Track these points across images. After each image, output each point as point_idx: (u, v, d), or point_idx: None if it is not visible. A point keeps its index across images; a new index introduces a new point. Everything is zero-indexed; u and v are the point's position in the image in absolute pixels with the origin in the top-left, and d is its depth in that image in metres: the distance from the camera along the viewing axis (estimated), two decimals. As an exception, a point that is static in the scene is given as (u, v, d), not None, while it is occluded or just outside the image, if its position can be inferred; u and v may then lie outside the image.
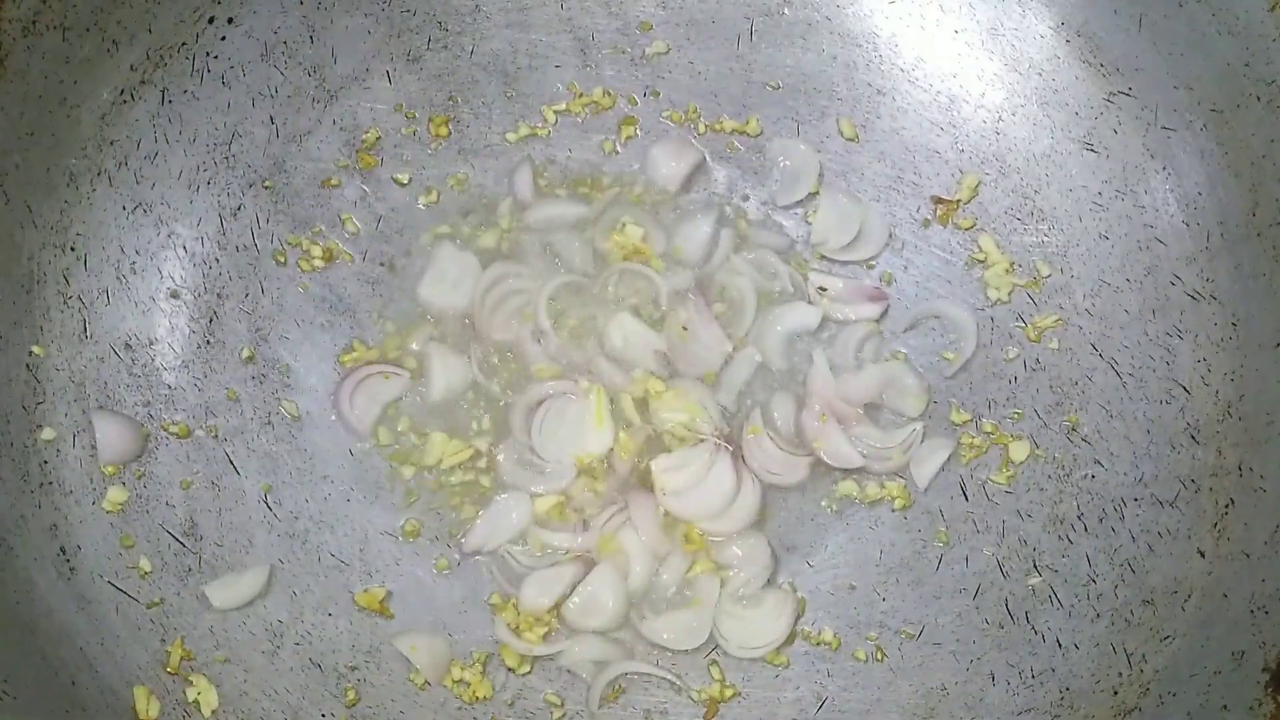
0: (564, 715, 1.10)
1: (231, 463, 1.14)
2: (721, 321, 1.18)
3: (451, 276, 1.20)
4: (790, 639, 1.12)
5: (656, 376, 1.16)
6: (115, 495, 1.12)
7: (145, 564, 1.12)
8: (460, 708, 1.11)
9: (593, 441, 1.15)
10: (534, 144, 1.24)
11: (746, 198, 1.23)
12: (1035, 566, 1.12)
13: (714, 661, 1.12)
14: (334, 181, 1.22)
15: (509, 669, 1.11)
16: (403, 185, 1.22)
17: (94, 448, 1.13)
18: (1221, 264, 1.16)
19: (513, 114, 1.24)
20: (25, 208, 1.15)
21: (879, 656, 1.10)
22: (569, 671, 1.11)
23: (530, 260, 1.20)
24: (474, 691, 1.10)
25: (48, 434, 1.13)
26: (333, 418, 1.16)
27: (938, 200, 1.21)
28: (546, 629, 1.11)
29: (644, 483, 1.14)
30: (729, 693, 1.11)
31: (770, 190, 1.23)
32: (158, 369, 1.16)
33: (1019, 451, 1.15)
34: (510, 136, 1.24)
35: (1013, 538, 1.13)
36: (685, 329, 1.17)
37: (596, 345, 1.18)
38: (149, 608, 1.11)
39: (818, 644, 1.12)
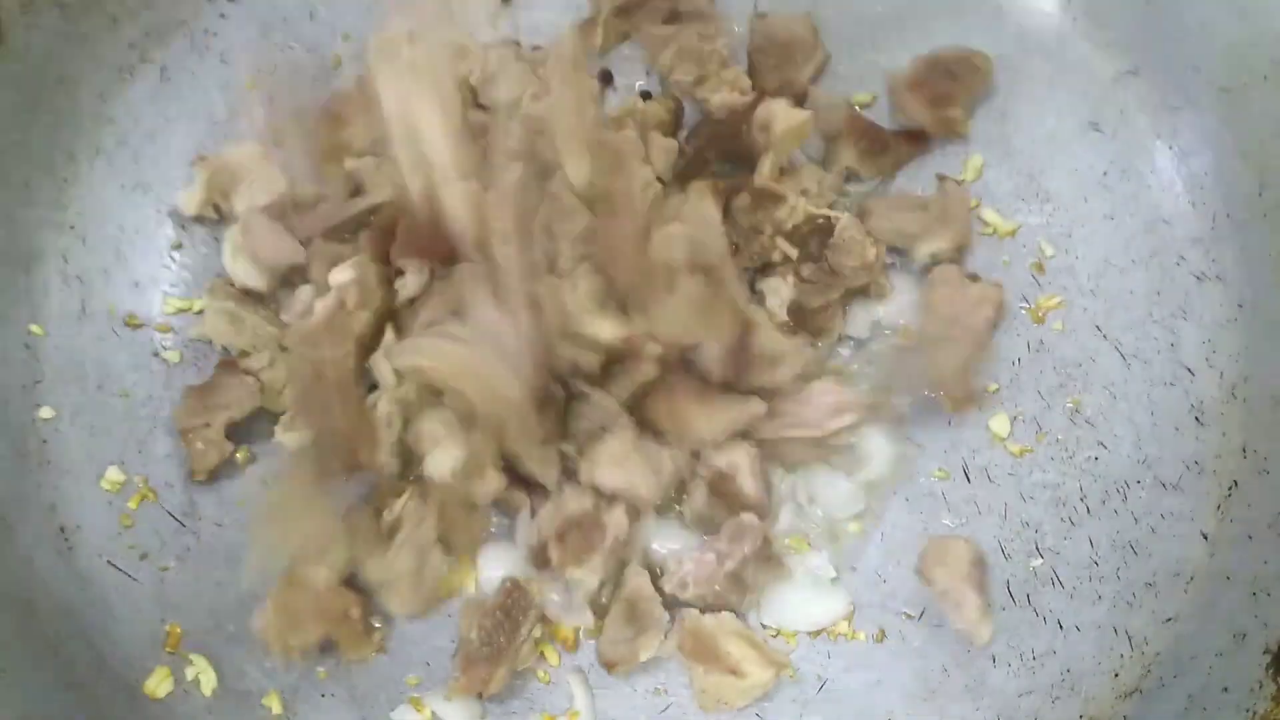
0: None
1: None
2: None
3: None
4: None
5: None
6: (114, 474, 1.12)
7: (144, 543, 1.11)
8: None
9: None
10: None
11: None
12: (1037, 548, 1.12)
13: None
14: (334, 160, 1.21)
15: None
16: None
17: (93, 426, 1.13)
18: (1228, 245, 1.16)
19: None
20: (24, 186, 1.15)
21: (880, 638, 1.10)
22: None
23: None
24: None
25: (46, 412, 1.13)
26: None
27: (941, 178, 1.19)
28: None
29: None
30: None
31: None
32: (156, 348, 1.16)
33: (1000, 425, 1.14)
34: None
35: (1015, 520, 1.12)
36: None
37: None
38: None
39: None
